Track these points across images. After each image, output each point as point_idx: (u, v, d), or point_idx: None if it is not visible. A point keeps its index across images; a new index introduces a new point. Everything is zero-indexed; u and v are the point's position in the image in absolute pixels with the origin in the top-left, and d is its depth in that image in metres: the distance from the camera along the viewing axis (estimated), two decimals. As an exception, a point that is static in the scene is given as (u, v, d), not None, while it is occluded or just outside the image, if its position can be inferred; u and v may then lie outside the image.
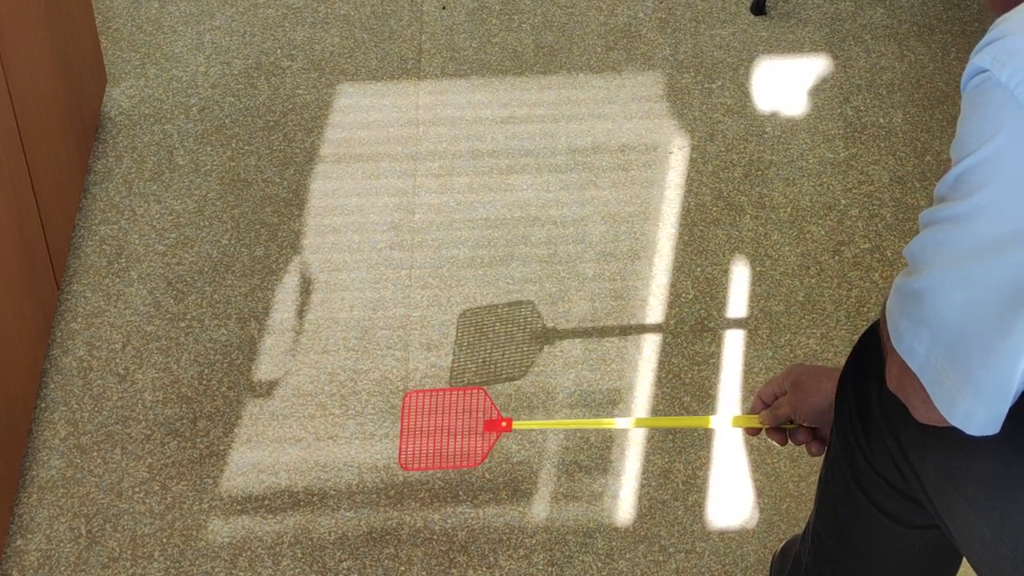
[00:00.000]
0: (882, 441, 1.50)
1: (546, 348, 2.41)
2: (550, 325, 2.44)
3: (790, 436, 1.74)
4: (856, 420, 1.54)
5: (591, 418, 2.31)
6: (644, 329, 2.44)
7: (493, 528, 2.18)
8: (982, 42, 1.22)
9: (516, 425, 1.91)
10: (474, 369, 2.38)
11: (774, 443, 2.27)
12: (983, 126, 1.20)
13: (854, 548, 1.69)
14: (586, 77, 2.87)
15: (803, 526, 2.18)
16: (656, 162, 2.71)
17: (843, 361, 2.36)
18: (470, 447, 1.91)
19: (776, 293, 2.49)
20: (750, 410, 1.77)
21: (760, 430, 1.77)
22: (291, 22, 2.98)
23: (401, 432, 1.92)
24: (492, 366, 2.40)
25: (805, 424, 1.71)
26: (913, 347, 1.26)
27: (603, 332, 2.43)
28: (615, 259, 2.54)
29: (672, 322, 2.44)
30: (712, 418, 1.86)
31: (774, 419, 1.73)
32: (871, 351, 1.52)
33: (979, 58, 1.21)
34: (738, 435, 2.29)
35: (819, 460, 2.25)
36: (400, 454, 1.92)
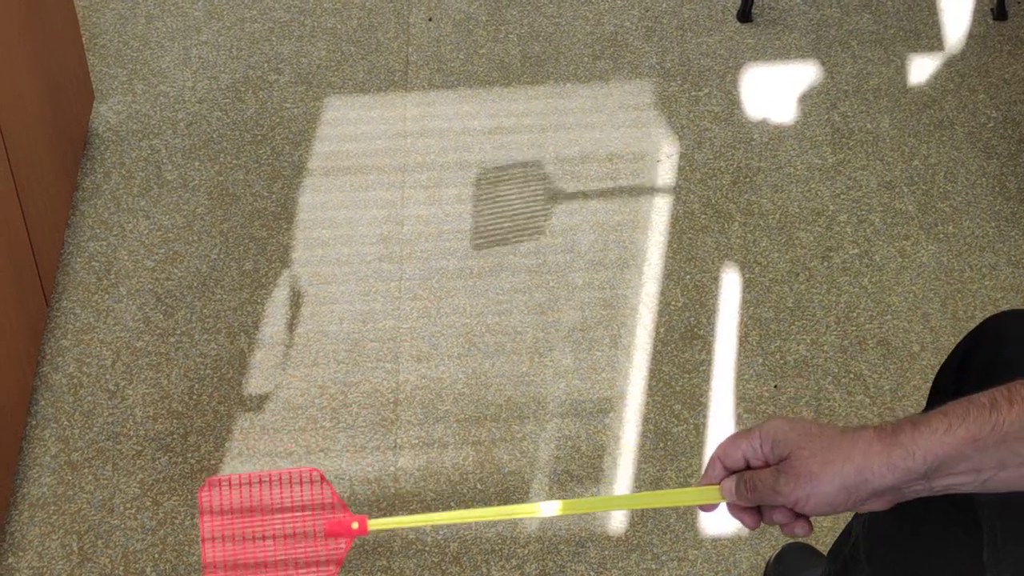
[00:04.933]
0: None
1: (536, 358, 2.41)
2: (540, 335, 2.44)
3: (764, 515, 1.24)
4: None
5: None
6: (634, 338, 2.44)
7: (485, 539, 2.18)
8: None
9: (372, 525, 1.27)
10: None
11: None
12: None
13: (913, 538, 1.62)
14: (573, 87, 2.88)
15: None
16: (644, 171, 2.71)
17: (831, 366, 2.37)
18: (308, 562, 1.27)
19: (766, 300, 2.49)
20: (705, 476, 1.26)
21: (717, 505, 1.26)
22: (278, 36, 2.99)
23: (203, 543, 1.27)
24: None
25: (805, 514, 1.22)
26: None
27: (593, 341, 2.43)
28: (604, 268, 2.54)
29: (662, 330, 2.44)
30: (658, 494, 1.32)
31: (750, 498, 1.22)
32: (975, 355, 1.44)
33: None
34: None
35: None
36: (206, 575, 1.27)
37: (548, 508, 1.28)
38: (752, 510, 1.24)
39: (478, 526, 2.18)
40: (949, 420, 1.16)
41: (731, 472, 1.24)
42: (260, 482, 1.28)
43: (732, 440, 1.23)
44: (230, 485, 1.27)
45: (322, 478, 1.28)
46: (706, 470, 1.25)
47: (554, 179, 2.70)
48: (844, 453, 1.17)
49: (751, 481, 1.21)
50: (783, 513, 1.22)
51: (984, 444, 1.14)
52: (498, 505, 2.21)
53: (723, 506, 1.27)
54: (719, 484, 1.25)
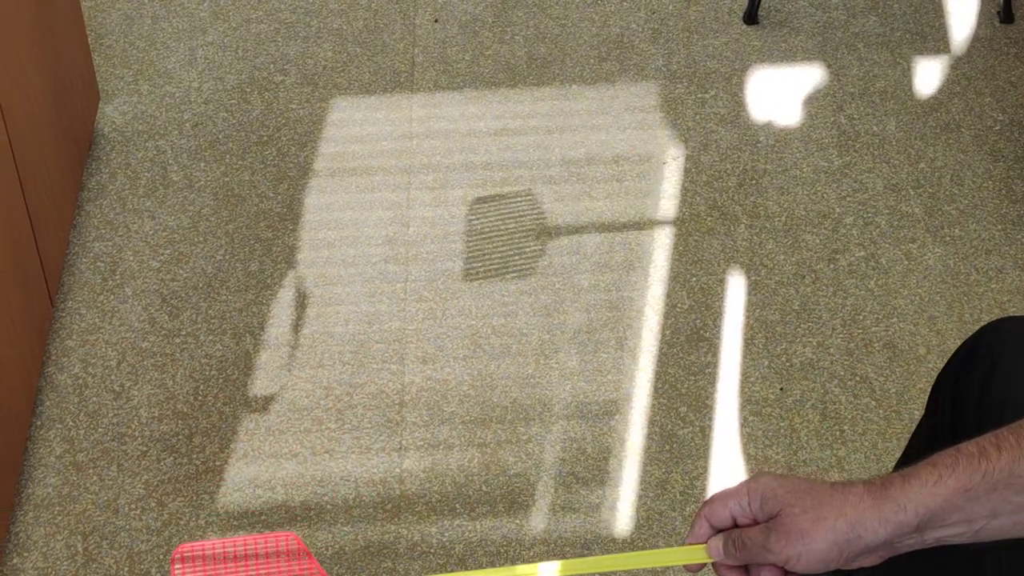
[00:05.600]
0: None
1: (542, 360, 2.40)
2: (546, 337, 2.44)
3: (751, 574, 1.22)
4: (947, 431, 1.45)
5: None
6: (640, 340, 2.43)
7: (491, 541, 2.18)
8: None
9: None
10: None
11: (771, 453, 2.27)
12: None
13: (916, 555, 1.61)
14: (579, 88, 2.87)
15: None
16: (650, 173, 2.71)
17: (838, 369, 2.36)
18: None
19: (771, 302, 2.49)
20: (691, 535, 1.23)
21: (704, 565, 1.24)
22: (284, 37, 2.99)
23: None
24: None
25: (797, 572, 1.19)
26: None
27: (599, 343, 2.43)
28: (610, 270, 2.54)
29: (668, 332, 2.44)
30: (644, 554, 1.28)
31: (739, 557, 1.20)
32: (974, 362, 1.45)
33: None
34: (735, 443, 2.29)
35: (816, 471, 2.25)
36: None
37: (546, 569, 1.26)
38: (740, 569, 1.22)
39: (483, 528, 2.18)
40: (939, 471, 1.15)
41: (718, 531, 1.22)
42: (235, 553, 1.24)
43: (719, 498, 1.21)
44: (203, 557, 1.23)
45: (299, 543, 1.26)
46: (692, 529, 1.23)
47: (560, 181, 2.70)
48: (836, 509, 1.15)
49: (740, 539, 1.19)
50: (772, 572, 1.19)
51: (975, 493, 1.14)
52: (502, 505, 2.21)
53: (710, 565, 1.26)
54: (706, 543, 1.23)
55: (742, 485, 1.20)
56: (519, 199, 2.67)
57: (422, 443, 2.30)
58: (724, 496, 1.21)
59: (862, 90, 2.86)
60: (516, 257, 2.57)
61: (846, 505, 1.15)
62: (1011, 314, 2.46)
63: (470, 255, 2.57)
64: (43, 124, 2.37)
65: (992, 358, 1.44)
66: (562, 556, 2.16)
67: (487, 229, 2.62)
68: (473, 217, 2.64)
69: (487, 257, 2.57)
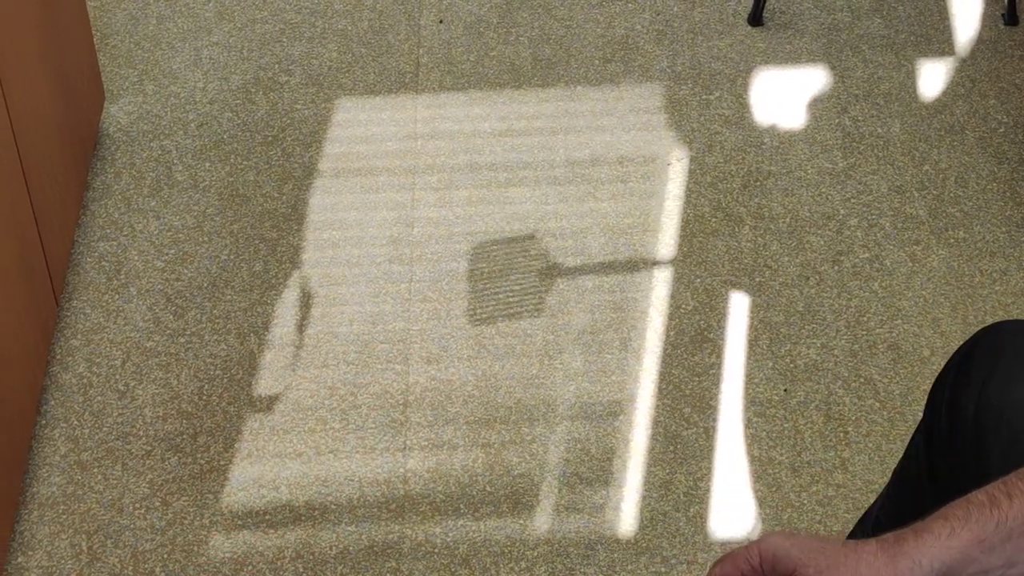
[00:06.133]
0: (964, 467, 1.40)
1: (546, 360, 2.41)
2: (550, 337, 2.44)
3: None
4: (945, 434, 1.45)
5: (593, 432, 2.31)
6: (644, 341, 2.44)
7: (495, 541, 2.18)
8: None
9: None
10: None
11: (775, 455, 2.28)
12: None
13: None
14: (584, 89, 2.88)
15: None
16: (655, 174, 2.71)
17: (842, 370, 2.36)
18: None
19: (775, 303, 2.49)
20: None
21: None
22: (289, 37, 2.99)
23: None
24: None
25: None
26: None
27: (603, 344, 2.43)
28: (614, 271, 2.54)
29: (672, 333, 2.44)
30: None
31: None
32: (971, 366, 1.45)
33: None
34: (739, 445, 2.29)
35: (820, 472, 2.25)
36: None
37: None
38: None
39: (487, 528, 2.18)
40: (951, 524, 1.13)
41: None
42: None
43: (729, 558, 1.17)
44: None
45: None
46: None
47: (564, 182, 2.70)
48: (850, 568, 1.12)
49: None
50: None
51: (990, 544, 1.13)
52: (507, 505, 2.21)
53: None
54: None
55: (752, 545, 1.17)
56: (523, 201, 2.67)
57: (426, 443, 2.30)
58: (734, 556, 1.17)
59: (866, 92, 2.86)
60: (520, 258, 2.57)
61: (860, 563, 1.12)
62: (1012, 317, 2.46)
63: (474, 256, 2.57)
64: (48, 124, 2.37)
65: (989, 362, 1.44)
66: (566, 556, 2.16)
67: (491, 230, 2.62)
68: (477, 218, 2.64)
69: (491, 257, 2.57)
